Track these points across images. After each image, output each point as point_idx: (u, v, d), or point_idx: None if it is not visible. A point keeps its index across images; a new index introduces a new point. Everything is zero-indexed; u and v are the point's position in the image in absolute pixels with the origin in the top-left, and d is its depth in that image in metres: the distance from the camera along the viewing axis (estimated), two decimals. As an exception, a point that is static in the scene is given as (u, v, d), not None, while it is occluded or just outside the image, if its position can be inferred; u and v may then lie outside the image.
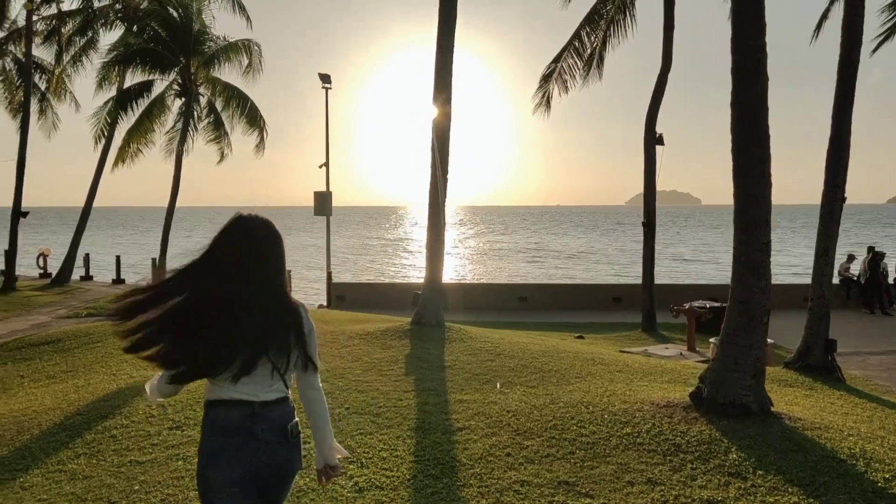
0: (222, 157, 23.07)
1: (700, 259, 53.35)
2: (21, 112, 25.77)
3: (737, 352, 5.83)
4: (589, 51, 16.77)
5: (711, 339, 11.98)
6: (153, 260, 25.79)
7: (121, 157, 21.65)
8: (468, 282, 34.59)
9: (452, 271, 44.82)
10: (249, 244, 2.54)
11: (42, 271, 28.87)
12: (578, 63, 16.81)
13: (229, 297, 2.44)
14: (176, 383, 2.60)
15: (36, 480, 5.37)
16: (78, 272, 26.48)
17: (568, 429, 5.68)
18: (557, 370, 8.36)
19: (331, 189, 20.93)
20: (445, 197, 11.67)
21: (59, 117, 29.51)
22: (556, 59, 16.93)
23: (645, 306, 16.52)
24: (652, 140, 16.56)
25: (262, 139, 22.15)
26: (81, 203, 25.33)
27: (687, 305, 13.63)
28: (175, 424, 6.32)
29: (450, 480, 4.76)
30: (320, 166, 21.10)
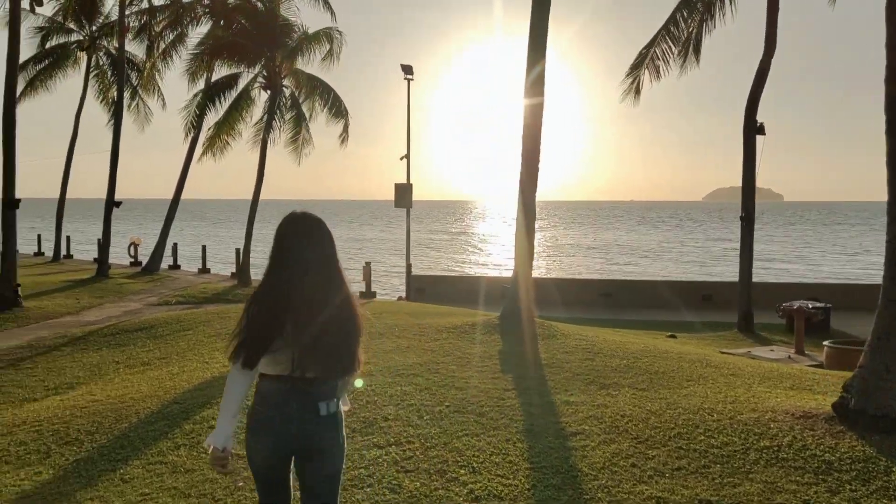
0: (300, 156, 23.14)
1: (787, 258, 51.02)
2: (114, 106, 26.67)
3: (890, 358, 5.18)
4: (685, 35, 15.95)
5: (826, 343, 11.15)
6: (237, 250, 26.26)
7: (210, 149, 22.03)
8: (545, 277, 33.85)
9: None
10: (300, 240, 2.73)
11: (133, 260, 29.85)
12: (673, 48, 16.01)
13: (296, 299, 2.65)
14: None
15: (137, 472, 5.24)
16: (166, 261, 27.24)
17: (695, 438, 5.17)
18: (664, 372, 7.81)
19: (411, 181, 20.74)
20: (536, 188, 11.22)
21: (151, 111, 30.47)
22: (649, 45, 16.18)
23: (742, 305, 15.65)
24: (752, 129, 15.65)
25: (345, 130, 22.14)
26: (165, 195, 26.06)
27: (795, 305, 12.76)
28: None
29: (574, 492, 4.35)
30: (401, 158, 20.94)
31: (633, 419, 5.72)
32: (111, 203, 23.29)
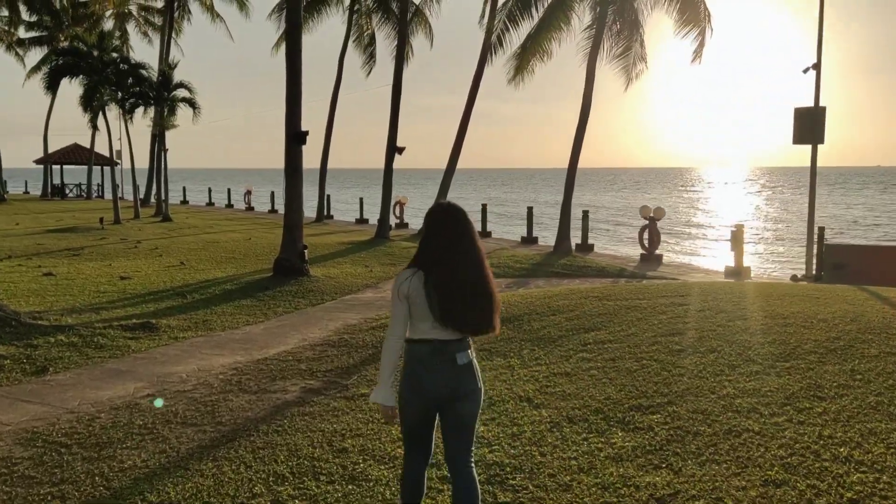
0: (630, 79, 17.25)
1: None
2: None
3: None
4: None
5: None
6: (529, 208, 21.21)
7: (520, 69, 16.74)
8: None
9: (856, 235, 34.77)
10: (458, 228, 3.17)
11: (398, 221, 26.14)
12: None
13: (446, 275, 3.09)
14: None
15: None
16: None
17: None
18: None
19: (822, 104, 13.94)
20: None
21: (413, 51, 26.22)
22: None
23: None
24: None
25: (701, 41, 15.83)
26: (423, 165, 21.50)
27: None
28: None
29: None
30: (805, 71, 14.22)
31: None
32: (392, 149, 19.07)
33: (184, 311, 9.82)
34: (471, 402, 3.18)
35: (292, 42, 12.39)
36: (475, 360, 3.22)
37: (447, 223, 3.17)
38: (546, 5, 16.26)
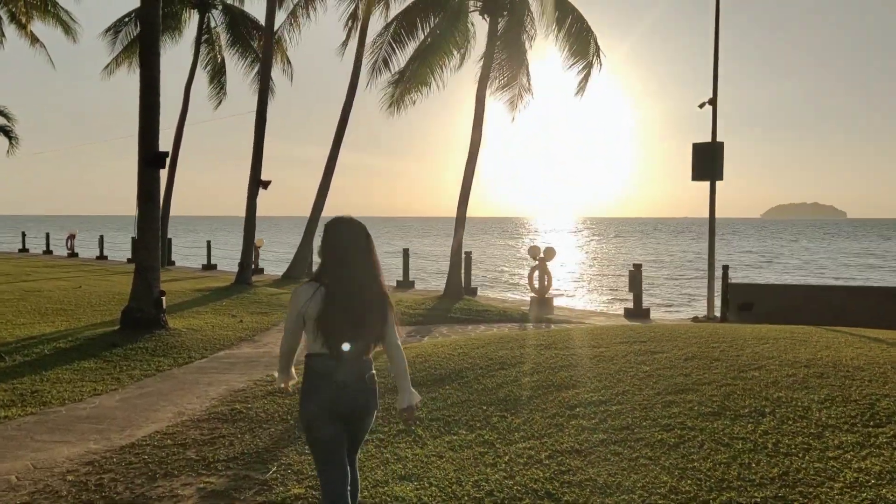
0: (515, 111, 16.61)
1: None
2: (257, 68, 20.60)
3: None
4: None
5: None
6: (405, 250, 19.76)
7: (398, 100, 15.37)
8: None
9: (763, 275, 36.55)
10: (354, 244, 3.09)
11: (254, 266, 23.68)
12: None
13: (342, 289, 3.03)
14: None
15: None
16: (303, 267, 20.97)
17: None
18: None
19: (720, 139, 13.82)
20: None
21: (275, 84, 24.29)
22: None
23: None
24: None
25: (587, 73, 15.36)
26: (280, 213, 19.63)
27: None
28: None
29: None
30: (701, 105, 14.08)
31: None
32: (256, 184, 16.92)
33: (2, 379, 7.29)
34: (368, 417, 3.16)
35: (148, 43, 10.26)
36: (374, 375, 3.16)
37: (348, 237, 3.12)
38: (429, 28, 15.13)
